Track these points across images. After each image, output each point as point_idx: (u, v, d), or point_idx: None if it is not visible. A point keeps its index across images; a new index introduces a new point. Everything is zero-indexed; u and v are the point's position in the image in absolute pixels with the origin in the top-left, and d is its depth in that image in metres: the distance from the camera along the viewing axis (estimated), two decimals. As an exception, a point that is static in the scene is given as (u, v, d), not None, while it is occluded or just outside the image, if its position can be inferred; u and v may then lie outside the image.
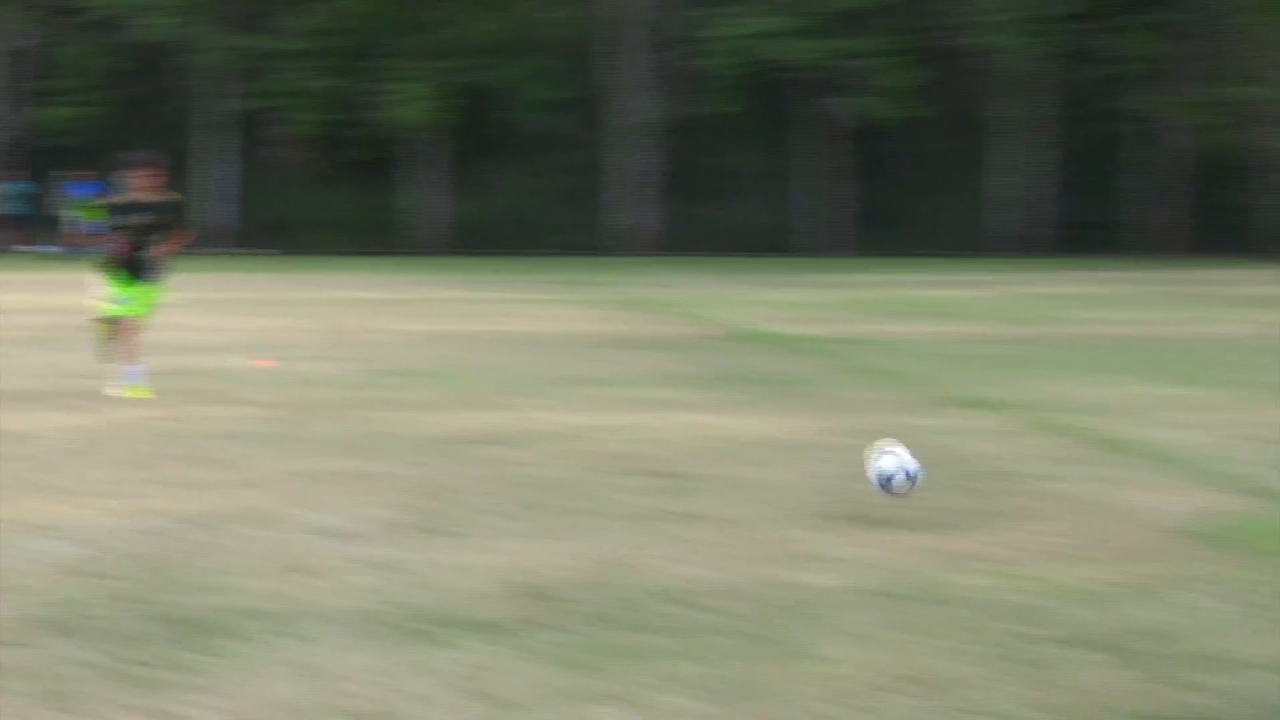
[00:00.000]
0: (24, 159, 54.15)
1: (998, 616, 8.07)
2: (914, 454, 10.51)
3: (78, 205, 46.11)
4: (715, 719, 6.54)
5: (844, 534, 10.02)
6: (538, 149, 57.83)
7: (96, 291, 16.98)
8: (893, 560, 9.31)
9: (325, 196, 57.62)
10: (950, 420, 15.17)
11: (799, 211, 57.99)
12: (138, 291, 16.77)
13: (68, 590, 8.38)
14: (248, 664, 7.18)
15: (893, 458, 10.50)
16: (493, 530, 10.06)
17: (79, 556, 9.13)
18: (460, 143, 56.80)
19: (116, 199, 17.60)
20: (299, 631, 7.69)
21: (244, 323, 25.97)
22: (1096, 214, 58.52)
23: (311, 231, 55.79)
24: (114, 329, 16.80)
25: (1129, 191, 58.23)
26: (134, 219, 16.80)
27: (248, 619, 7.85)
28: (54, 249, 48.53)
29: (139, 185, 17.00)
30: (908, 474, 10.42)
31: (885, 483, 10.45)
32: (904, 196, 57.64)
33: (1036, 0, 54.22)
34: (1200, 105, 54.93)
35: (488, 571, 8.92)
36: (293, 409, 15.68)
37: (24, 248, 50.40)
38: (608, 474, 12.12)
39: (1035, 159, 57.55)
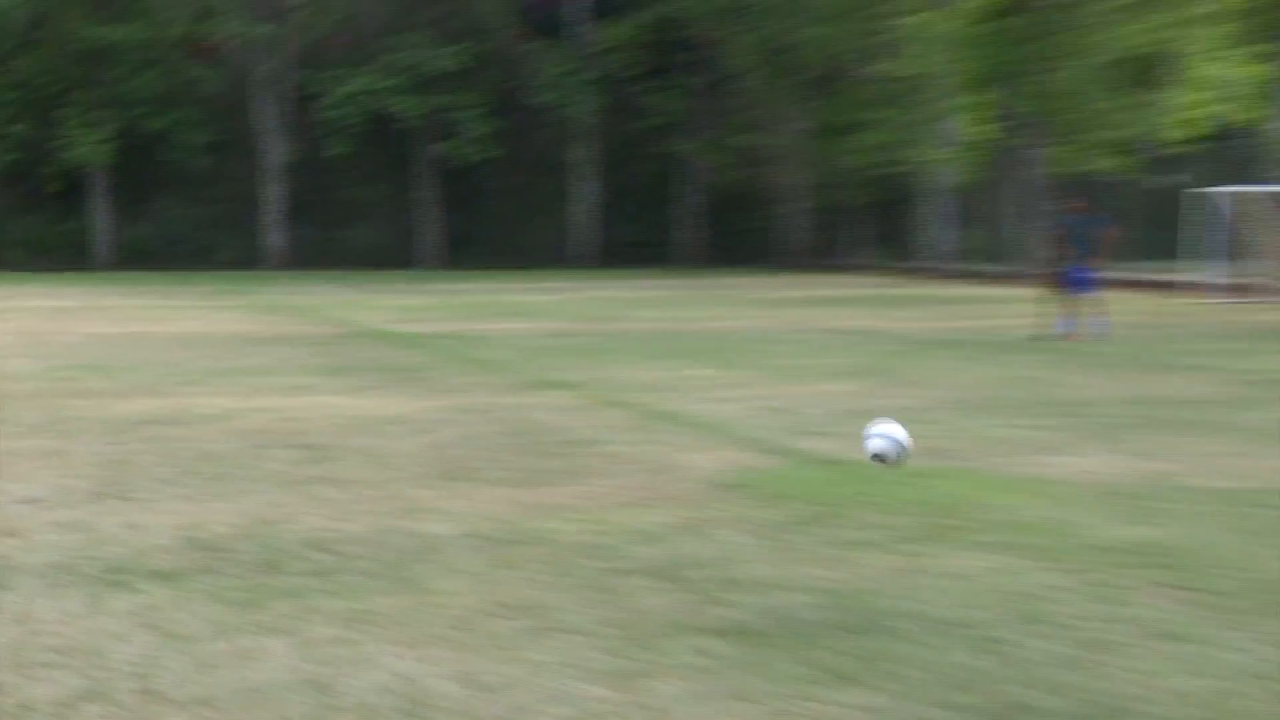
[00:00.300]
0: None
1: (578, 554, 8.13)
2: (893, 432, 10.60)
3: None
4: (354, 642, 6.45)
5: (456, 491, 10.00)
6: (203, 182, 56.60)
7: None
8: (496, 511, 9.31)
9: (22, 222, 55.57)
10: (536, 399, 15.24)
11: (413, 234, 57.70)
12: None
13: None
14: (-45, 613, 6.82)
15: (880, 440, 10.53)
16: (165, 495, 9.77)
17: None
18: (133, 177, 55.24)
19: None
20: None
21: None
22: (648, 235, 59.81)
23: (9, 251, 53.73)
24: None
25: (672, 218, 59.52)
26: None
27: (-45, 575, 7.47)
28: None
29: None
30: (897, 446, 10.51)
31: (880, 458, 10.48)
32: (497, 222, 57.92)
33: (592, 65, 54.97)
34: (718, 149, 56.50)
35: (162, 529, 8.66)
36: (-10, 398, 14.98)
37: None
38: (259, 447, 11.88)
39: (600, 192, 58.40)
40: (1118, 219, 26.39)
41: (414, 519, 9.06)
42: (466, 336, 23.77)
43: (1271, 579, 7.59)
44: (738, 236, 59.37)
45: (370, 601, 7.14)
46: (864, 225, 55.29)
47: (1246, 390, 16.13)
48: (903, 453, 10.49)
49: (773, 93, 55.24)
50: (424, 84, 52.95)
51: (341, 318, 28.17)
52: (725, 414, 13.98)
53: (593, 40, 54.83)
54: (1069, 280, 24.38)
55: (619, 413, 14.12)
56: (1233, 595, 7.27)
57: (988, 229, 52.53)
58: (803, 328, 25.27)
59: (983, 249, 50.30)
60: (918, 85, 50.17)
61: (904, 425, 11.77)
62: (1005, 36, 42.63)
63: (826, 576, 7.65)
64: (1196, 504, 9.57)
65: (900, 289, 39.52)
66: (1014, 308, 30.98)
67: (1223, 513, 9.27)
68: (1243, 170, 42.75)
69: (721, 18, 53.04)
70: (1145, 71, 42.40)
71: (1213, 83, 43.22)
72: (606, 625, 6.76)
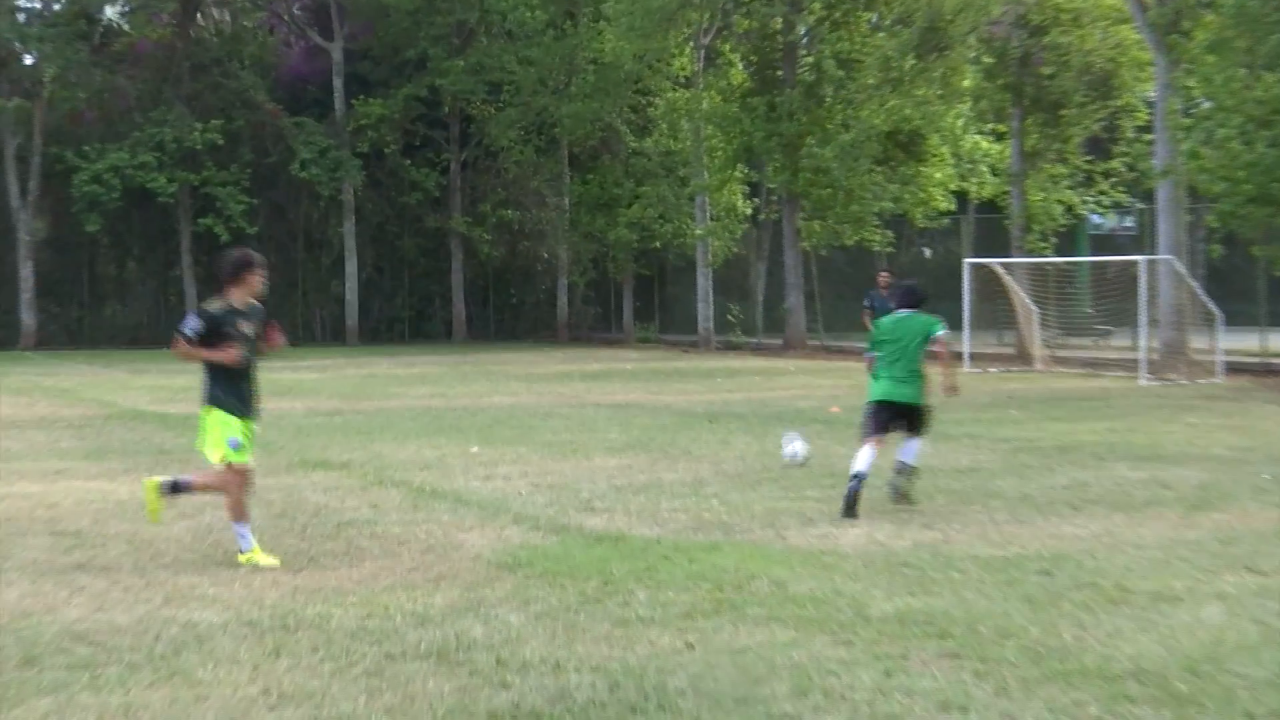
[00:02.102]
0: None
1: (354, 639, 7.90)
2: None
3: None
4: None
5: (225, 576, 9.66)
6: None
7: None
8: (268, 596, 9.02)
9: None
10: (306, 479, 14.90)
11: (174, 312, 56.42)
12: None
13: None
14: None
15: (791, 447, 15.23)
16: (-87, 589, 9.24)
17: None
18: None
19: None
20: None
21: None
22: (422, 310, 59.43)
23: None
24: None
25: (440, 292, 59.20)
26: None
27: None
28: None
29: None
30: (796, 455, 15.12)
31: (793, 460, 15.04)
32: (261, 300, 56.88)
33: (350, 141, 54.55)
34: (479, 224, 56.50)
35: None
36: None
37: None
38: (15, 535, 11.38)
39: (368, 267, 57.83)
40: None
41: (181, 607, 8.72)
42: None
43: (1045, 645, 7.70)
44: (513, 311, 59.34)
45: (135, 695, 6.82)
46: (636, 298, 55.64)
47: (1005, 458, 16.51)
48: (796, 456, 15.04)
49: (533, 168, 55.49)
50: (181, 159, 52.06)
51: (99, 399, 27.30)
52: (500, 491, 13.82)
53: (347, 116, 54.52)
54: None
55: (392, 492, 13.87)
56: (1010, 663, 7.35)
57: (749, 302, 53.32)
58: (575, 402, 25.22)
59: (745, 322, 51.06)
60: (675, 162, 50.85)
61: (679, 500, 11.72)
62: (755, 114, 43.49)
63: (607, 655, 7.54)
64: (968, 572, 9.70)
65: (670, 362, 39.84)
66: (779, 380, 31.42)
67: (993, 580, 9.41)
68: (996, 241, 44.11)
69: (477, 95, 53.13)
70: (893, 149, 43.58)
71: (957, 159, 44.64)
72: (386, 713, 6.55)
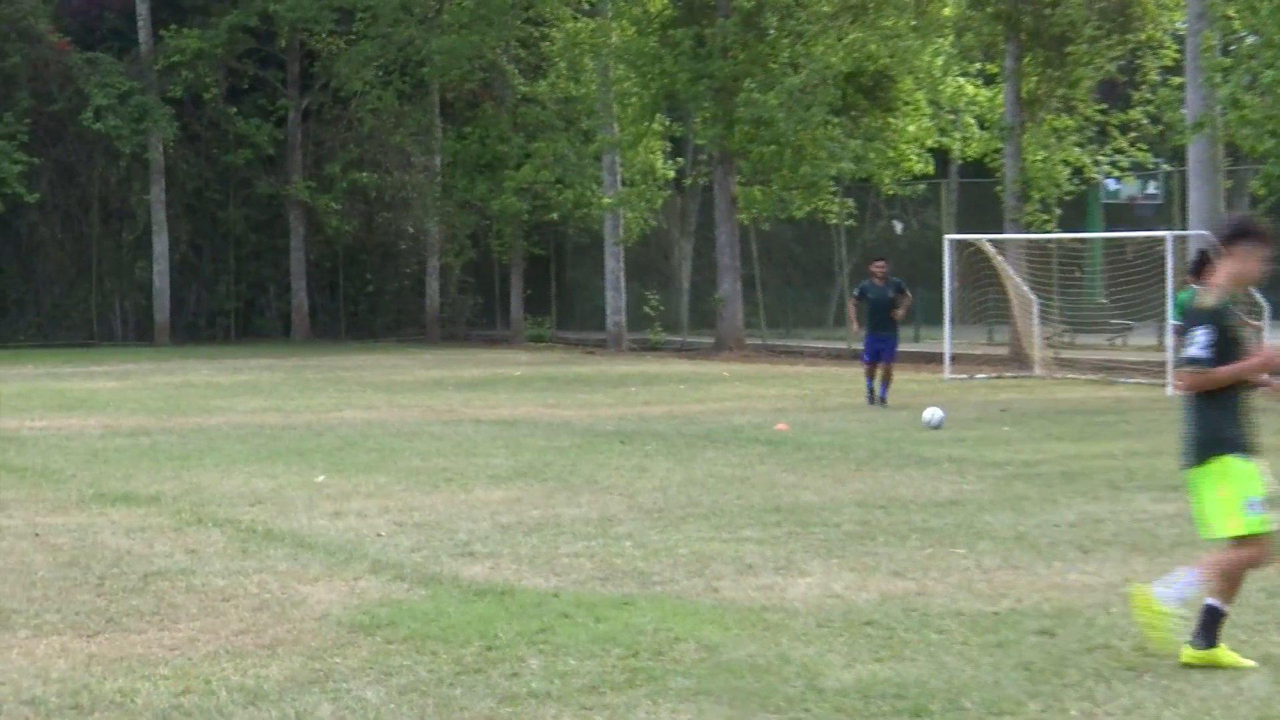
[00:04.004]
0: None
1: (159, 719, 7.89)
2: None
3: None
4: None
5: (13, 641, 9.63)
6: None
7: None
8: (55, 668, 8.99)
9: None
10: (102, 517, 14.82)
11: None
12: None
13: None
14: None
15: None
16: None
17: None
18: None
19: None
20: None
21: None
22: (251, 299, 58.99)
23: None
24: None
25: (276, 278, 58.81)
26: None
27: None
28: None
29: None
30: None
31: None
32: (45, 285, 56.35)
33: (156, 85, 54.11)
34: (325, 190, 56.08)
35: None
36: None
37: None
38: None
39: (181, 246, 57.17)
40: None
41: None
42: (2, 436, 23.01)
43: (1044, 722, 7.80)
44: (369, 301, 58.94)
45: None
46: (527, 286, 55.45)
47: (997, 488, 16.66)
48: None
49: (395, 119, 55.08)
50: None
51: None
52: (353, 532, 13.81)
53: (155, 52, 53.96)
54: (867, 348, 27.58)
55: (214, 533, 13.83)
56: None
57: (672, 290, 53.39)
58: (449, 418, 25.18)
59: (667, 315, 51.05)
60: (576, 112, 50.79)
61: (582, 542, 11.75)
62: (679, 51, 43.42)
63: (493, 741, 7.59)
64: (949, 632, 9.80)
65: (571, 366, 39.83)
66: (710, 389, 31.54)
67: (981, 643, 9.51)
68: (986, 213, 44.35)
69: (322, 24, 52.76)
70: (854, 95, 43.68)
71: (936, 109, 44.86)
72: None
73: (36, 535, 13.78)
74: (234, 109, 55.92)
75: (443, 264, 57.16)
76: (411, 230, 59.08)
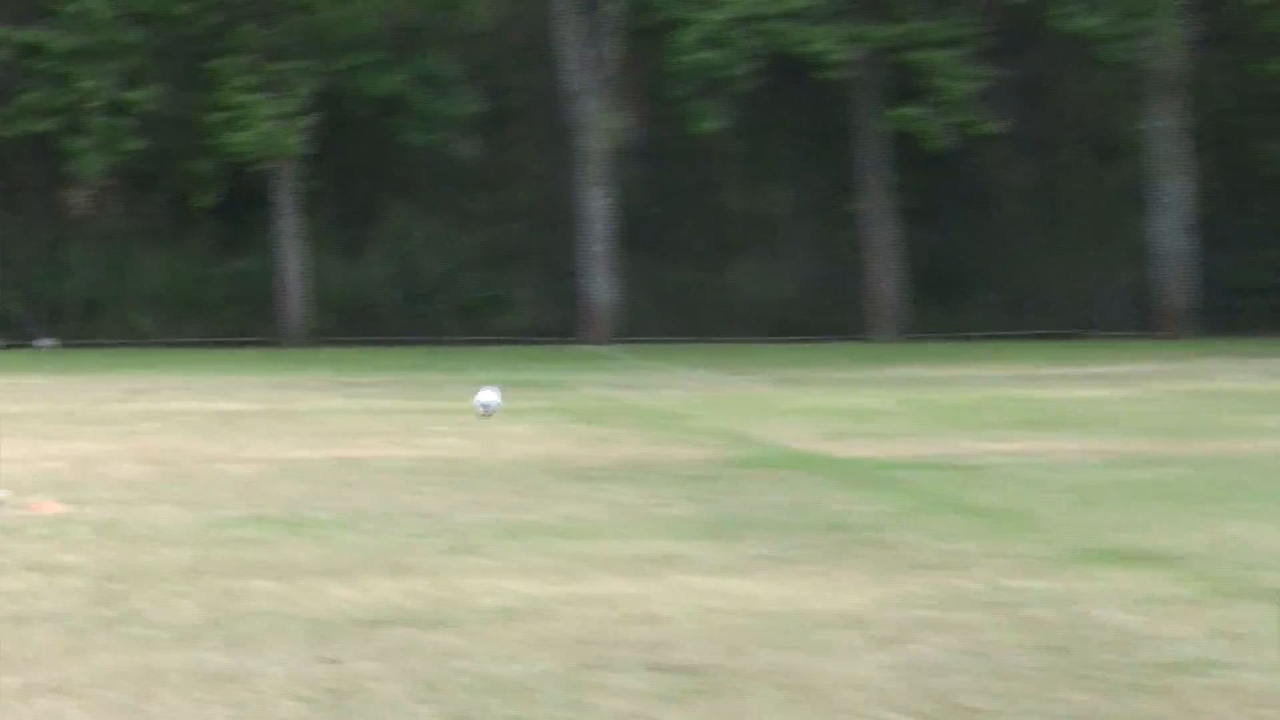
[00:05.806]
0: None
1: None
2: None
3: None
4: None
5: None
6: (467, 184, 57.75)
7: None
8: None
9: (152, 262, 57.14)
10: (1096, 583, 15.00)
11: (859, 279, 58.32)
12: None
13: None
14: None
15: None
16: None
17: None
18: (347, 178, 56.82)
19: None
20: None
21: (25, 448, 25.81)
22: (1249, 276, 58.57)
23: (139, 311, 55.43)
24: None
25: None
26: None
27: None
28: None
29: None
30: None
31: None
32: (989, 249, 57.73)
33: None
34: None
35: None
36: (108, 577, 15.41)
37: None
38: (586, 668, 11.89)
39: (1196, 194, 57.43)
40: None
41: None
42: (956, 465, 23.61)
43: None
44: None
45: None
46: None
47: None
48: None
49: None
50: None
51: (726, 429, 28.36)
52: None
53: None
54: None
55: (1256, 609, 13.75)
56: None
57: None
58: None
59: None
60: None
61: None
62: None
63: None
64: None
65: None
66: None
67: None
68: None
69: None
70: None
71: None
72: None
73: (1003, 605, 14.02)
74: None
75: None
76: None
